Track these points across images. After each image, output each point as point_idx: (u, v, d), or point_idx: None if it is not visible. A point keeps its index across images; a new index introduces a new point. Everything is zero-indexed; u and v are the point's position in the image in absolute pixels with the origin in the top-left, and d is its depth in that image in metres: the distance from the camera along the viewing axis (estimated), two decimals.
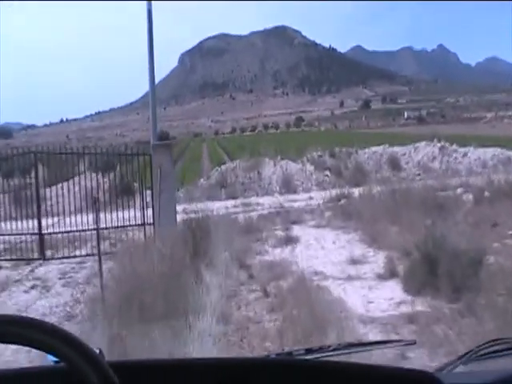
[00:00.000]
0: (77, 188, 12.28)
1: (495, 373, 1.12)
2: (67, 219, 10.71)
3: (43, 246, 10.14)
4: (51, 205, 11.85)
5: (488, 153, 18.88)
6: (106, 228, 9.98)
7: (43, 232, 10.35)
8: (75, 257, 9.84)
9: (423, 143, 19.93)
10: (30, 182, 11.17)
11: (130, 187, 14.26)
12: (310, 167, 19.20)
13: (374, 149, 20.29)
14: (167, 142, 11.08)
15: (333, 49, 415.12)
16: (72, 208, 11.10)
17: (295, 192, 17.37)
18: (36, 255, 10.10)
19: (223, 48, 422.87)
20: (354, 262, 7.91)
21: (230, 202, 15.15)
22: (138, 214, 10.47)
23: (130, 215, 10.37)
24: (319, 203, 13.12)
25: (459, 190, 12.25)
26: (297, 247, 9.12)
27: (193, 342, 4.50)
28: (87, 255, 9.77)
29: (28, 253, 10.04)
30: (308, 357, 1.31)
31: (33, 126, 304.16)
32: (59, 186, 12.51)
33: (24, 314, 1.01)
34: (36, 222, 10.39)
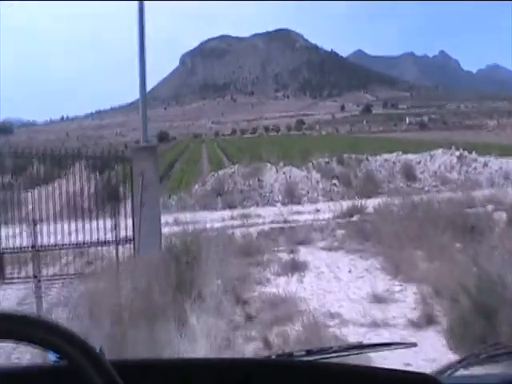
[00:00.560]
0: (57, 193, 10.98)
1: (495, 376, 1.13)
2: (42, 227, 9.17)
3: (2, 264, 8.63)
4: (26, 213, 10.51)
5: (511, 163, 17.30)
6: (77, 245, 8.53)
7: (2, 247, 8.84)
8: (40, 279, 8.29)
9: (440, 150, 18.26)
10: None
11: (116, 193, 12.99)
12: (315, 175, 17.50)
13: (385, 156, 18.60)
14: (151, 145, 9.46)
15: (334, 53, 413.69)
16: (50, 214, 9.74)
17: (299, 203, 15.73)
18: None
19: (225, 49, 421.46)
20: (377, 299, 6.39)
21: (227, 213, 13.65)
22: (123, 225, 9.18)
23: (112, 224, 9.08)
24: (329, 218, 11.52)
25: (490, 207, 10.68)
26: (305, 276, 7.59)
27: None
28: (54, 275, 8.33)
29: None
30: (309, 358, 1.29)
31: (33, 123, 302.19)
32: (36, 190, 11.20)
33: None
34: None
